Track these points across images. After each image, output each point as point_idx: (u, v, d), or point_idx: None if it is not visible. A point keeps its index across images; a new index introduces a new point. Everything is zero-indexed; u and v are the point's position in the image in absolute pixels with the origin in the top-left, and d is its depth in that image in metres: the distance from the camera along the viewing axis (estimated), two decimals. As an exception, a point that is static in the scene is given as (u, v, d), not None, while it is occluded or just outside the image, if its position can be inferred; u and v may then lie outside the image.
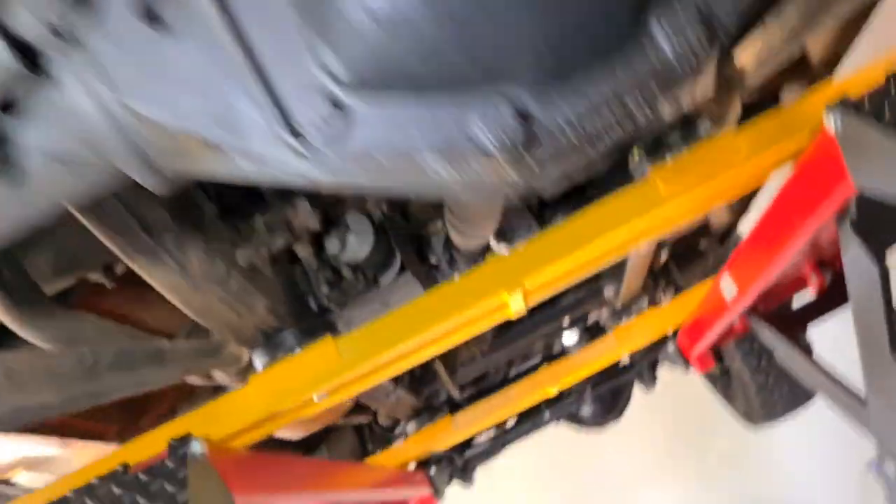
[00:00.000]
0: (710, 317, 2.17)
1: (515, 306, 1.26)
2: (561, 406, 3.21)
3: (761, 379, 3.03)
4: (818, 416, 3.92)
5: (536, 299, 1.30)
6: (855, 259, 1.45)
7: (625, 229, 1.22)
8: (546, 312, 2.32)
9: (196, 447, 1.03)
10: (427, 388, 2.39)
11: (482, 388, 2.70)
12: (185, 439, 1.03)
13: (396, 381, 2.06)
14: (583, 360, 2.44)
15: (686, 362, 2.69)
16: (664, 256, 2.52)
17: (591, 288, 2.33)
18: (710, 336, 2.30)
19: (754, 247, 1.59)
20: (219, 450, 1.18)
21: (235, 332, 1.18)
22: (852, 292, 1.54)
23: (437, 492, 2.69)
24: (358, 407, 2.47)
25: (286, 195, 1.12)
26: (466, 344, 2.28)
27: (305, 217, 1.15)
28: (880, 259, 1.43)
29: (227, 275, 1.06)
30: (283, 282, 1.26)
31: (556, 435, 4.23)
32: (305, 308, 1.34)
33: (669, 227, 1.29)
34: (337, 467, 1.91)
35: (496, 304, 1.25)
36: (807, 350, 2.94)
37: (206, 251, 1.01)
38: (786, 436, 4.53)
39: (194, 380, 1.40)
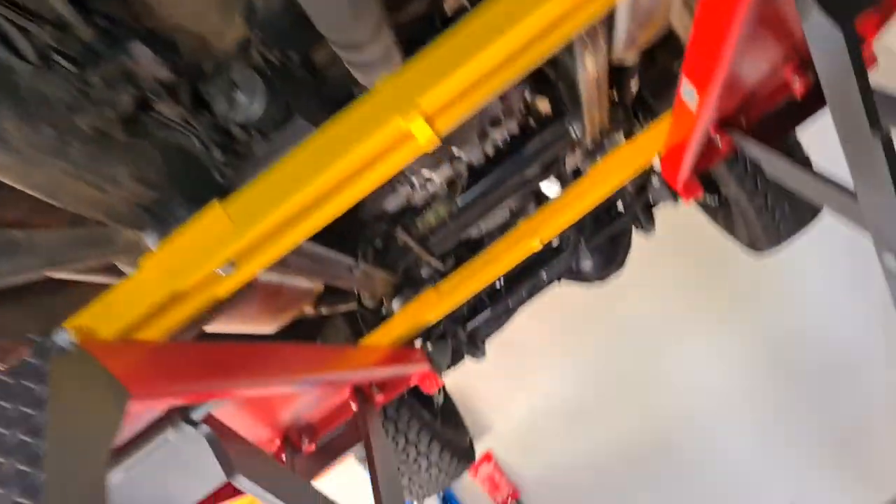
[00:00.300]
0: (682, 135, 2.00)
1: (422, 135, 1.11)
2: (557, 264, 3.11)
3: (759, 201, 2.88)
4: (833, 238, 3.78)
5: (446, 125, 1.14)
6: (816, 28, 1.27)
7: (525, 25, 1.05)
8: (511, 162, 2.17)
9: (62, 339, 0.91)
10: (401, 262, 2.27)
11: (467, 255, 2.58)
12: (49, 333, 0.91)
13: (356, 255, 1.94)
14: (560, 208, 2.29)
15: (673, 194, 2.54)
16: (635, 86, 2.34)
17: (555, 130, 2.17)
18: (690, 157, 2.14)
19: (701, 35, 1.41)
20: (112, 342, 1.07)
21: (108, 212, 1.05)
22: (820, 71, 1.36)
23: (436, 367, 2.61)
24: (336, 292, 2.37)
25: (116, 39, 0.96)
26: (431, 207, 2.15)
27: (149, 66, 1.00)
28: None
29: (64, 143, 0.92)
30: (160, 148, 1.12)
31: (569, 295, 4.16)
32: (199, 176, 1.20)
33: (584, 15, 1.11)
34: (306, 351, 1.81)
35: (396, 133, 1.10)
36: (803, 161, 2.78)
37: (24, 117, 0.87)
38: (802, 262, 4.42)
39: (98, 277, 1.28)
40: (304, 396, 2.12)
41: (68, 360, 0.91)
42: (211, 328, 1.80)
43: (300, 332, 2.57)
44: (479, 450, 5.39)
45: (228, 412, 1.85)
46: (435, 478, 3.26)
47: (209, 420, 1.41)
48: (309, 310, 2.32)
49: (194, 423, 1.35)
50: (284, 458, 2.23)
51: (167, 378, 1.08)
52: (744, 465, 4.97)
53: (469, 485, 5.39)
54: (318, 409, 2.29)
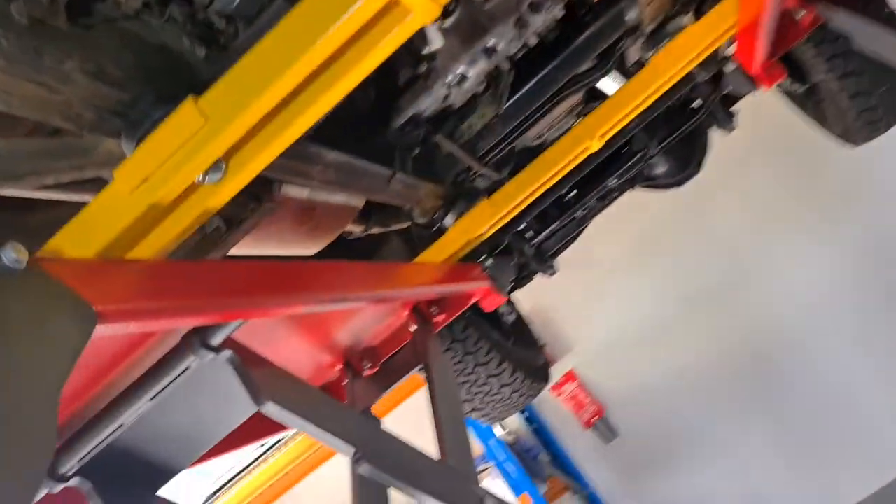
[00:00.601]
0: (755, 8, 1.75)
1: (414, 2, 0.94)
2: (628, 169, 2.89)
3: (852, 84, 2.56)
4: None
5: (447, -10, 0.97)
6: None
7: None
8: (561, 55, 1.96)
9: (7, 256, 0.80)
10: (448, 172, 2.12)
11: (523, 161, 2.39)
12: None
13: (393, 165, 1.80)
14: (619, 103, 2.08)
15: (751, 81, 2.28)
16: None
17: (608, 14, 1.94)
18: (766, 36, 1.88)
19: None
20: (78, 259, 0.96)
21: (66, 115, 0.93)
22: None
23: (497, 284, 2.46)
24: (385, 208, 2.25)
25: None
26: (475, 109, 1.97)
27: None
28: None
29: (-8, 36, 0.80)
30: (121, 39, 0.99)
31: (649, 202, 3.92)
32: (177, 71, 1.06)
33: None
34: (342, 268, 1.68)
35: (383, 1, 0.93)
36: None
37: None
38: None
39: (78, 194, 1.18)
40: (359, 318, 2.03)
41: (16, 280, 0.80)
42: (242, 251, 1.71)
43: (353, 253, 2.47)
44: (563, 368, 5.29)
45: (279, 337, 1.78)
46: (508, 399, 3.16)
47: (233, 345, 1.32)
48: (356, 228, 2.21)
49: (214, 349, 1.26)
50: (346, 384, 2.17)
51: (151, 297, 0.96)
52: (844, 378, 4.69)
53: (553, 404, 5.31)
54: (376, 331, 2.20)
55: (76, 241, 0.97)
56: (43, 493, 1.33)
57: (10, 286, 0.79)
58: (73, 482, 1.36)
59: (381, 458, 1.54)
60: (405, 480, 1.53)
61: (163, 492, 1.51)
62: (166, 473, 1.50)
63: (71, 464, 1.34)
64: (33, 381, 0.77)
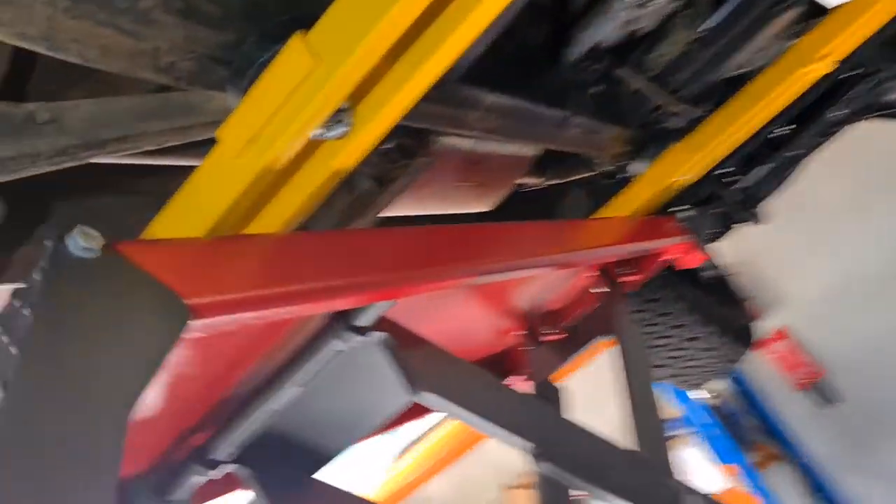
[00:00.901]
0: None
1: None
2: (856, 96, 2.43)
3: None
4: None
5: None
6: None
7: None
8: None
9: (75, 244, 0.66)
10: (636, 111, 1.83)
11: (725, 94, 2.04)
12: (60, 238, 0.66)
13: (567, 107, 1.54)
14: (851, 15, 1.68)
15: None
16: None
17: None
18: None
19: None
20: (165, 241, 0.80)
21: (156, 65, 0.77)
22: None
23: (696, 237, 2.15)
24: (563, 157, 2.01)
25: None
26: (667, 35, 1.66)
27: None
28: None
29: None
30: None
31: (876, 136, 3.36)
32: (290, 4, 0.87)
33: None
34: (507, 230, 1.45)
35: None
36: None
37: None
38: None
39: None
40: (541, 281, 1.83)
41: (90, 272, 0.65)
42: (402, 212, 1.54)
43: (529, 207, 2.25)
44: (772, 325, 4.80)
45: (450, 305, 1.61)
46: (708, 365, 2.83)
47: (386, 325, 1.16)
48: (531, 181, 1.99)
49: (363, 331, 1.10)
50: (526, 350, 2.00)
51: (264, 283, 0.79)
52: None
53: (761, 364, 4.84)
54: (560, 294, 2.00)
55: (181, 219, 0.82)
56: (202, 480, 1.26)
57: (82, 279, 0.65)
58: (229, 468, 1.28)
59: (562, 454, 1.33)
60: (590, 479, 1.31)
61: (320, 475, 1.41)
62: (323, 458, 1.38)
63: (226, 450, 1.25)
64: (103, 388, 0.61)
